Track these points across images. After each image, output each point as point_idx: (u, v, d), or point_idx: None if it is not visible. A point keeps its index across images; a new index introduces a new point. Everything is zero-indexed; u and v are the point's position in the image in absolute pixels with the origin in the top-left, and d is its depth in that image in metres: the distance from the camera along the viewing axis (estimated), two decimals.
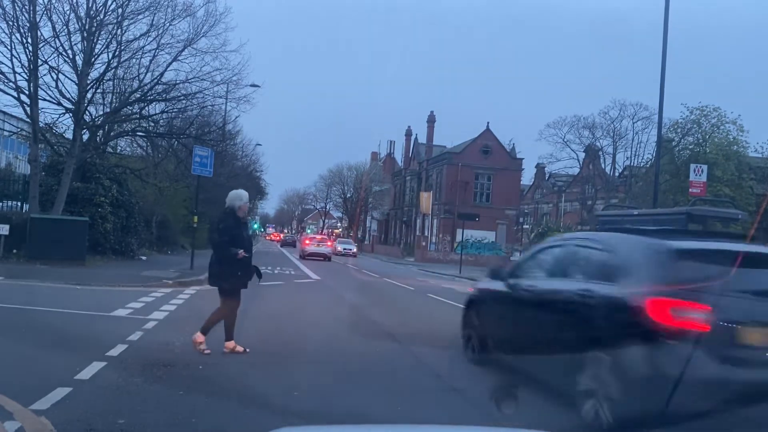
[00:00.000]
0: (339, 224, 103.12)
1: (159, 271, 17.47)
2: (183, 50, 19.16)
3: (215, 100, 20.86)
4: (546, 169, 62.60)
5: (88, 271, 15.70)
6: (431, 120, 64.21)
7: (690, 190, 19.30)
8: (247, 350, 7.55)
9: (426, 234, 60.60)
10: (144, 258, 22.36)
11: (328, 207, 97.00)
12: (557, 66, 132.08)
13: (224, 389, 5.88)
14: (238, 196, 7.73)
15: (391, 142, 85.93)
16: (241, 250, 7.42)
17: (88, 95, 18.47)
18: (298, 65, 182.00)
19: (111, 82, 20.63)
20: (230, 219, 7.59)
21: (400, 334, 9.92)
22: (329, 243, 37.46)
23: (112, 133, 21.94)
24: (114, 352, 6.90)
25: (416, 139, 69.55)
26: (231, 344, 7.57)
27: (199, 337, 7.44)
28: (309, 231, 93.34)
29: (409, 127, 73.71)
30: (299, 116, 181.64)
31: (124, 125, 21.80)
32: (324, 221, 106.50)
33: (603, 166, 50.24)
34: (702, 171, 19.15)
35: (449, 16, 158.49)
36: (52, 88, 18.15)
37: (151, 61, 19.65)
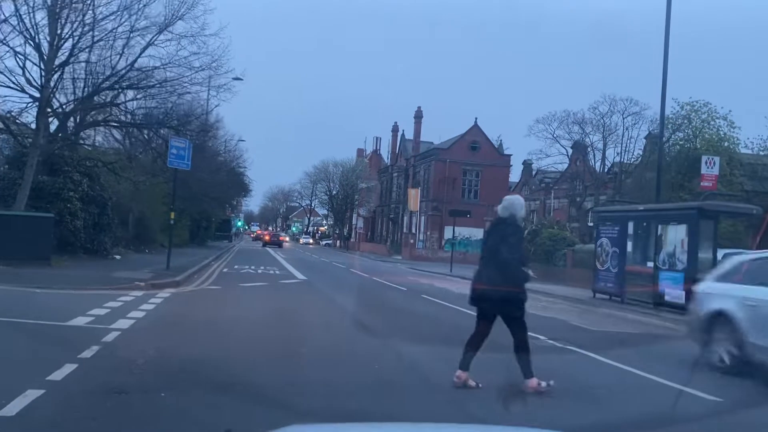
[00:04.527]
0: (324, 221, 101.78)
1: (132, 271, 16.16)
2: (158, 34, 17.84)
3: (193, 88, 19.50)
4: (534, 165, 61.71)
5: (52, 272, 14.38)
6: (418, 116, 63.16)
7: (701, 183, 18.32)
8: (480, 385, 6.11)
9: (413, 231, 59.53)
10: (118, 257, 21.00)
11: (313, 204, 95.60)
12: (546, 62, 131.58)
13: (186, 420, 4.69)
14: (522, 203, 6.39)
15: (377, 138, 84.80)
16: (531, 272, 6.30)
17: (54, 80, 17.03)
18: (282, 62, 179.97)
19: (83, 67, 19.19)
20: (520, 232, 6.38)
21: (400, 342, 8.76)
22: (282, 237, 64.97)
23: (83, 123, 20.49)
24: (58, 375, 5.64)
25: (403, 135, 68.44)
26: (464, 375, 6.17)
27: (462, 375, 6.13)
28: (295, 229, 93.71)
29: (395, 123, 72.57)
30: (283, 113, 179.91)
31: (97, 115, 20.38)
32: (309, 218, 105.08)
33: (593, 162, 49.60)
34: (714, 163, 18.18)
35: (435, 13, 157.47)
36: (15, 75, 16.73)
37: (124, 46, 18.29)
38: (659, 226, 16.63)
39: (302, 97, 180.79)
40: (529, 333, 10.44)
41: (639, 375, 7.57)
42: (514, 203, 6.31)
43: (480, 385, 6.07)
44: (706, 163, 18.37)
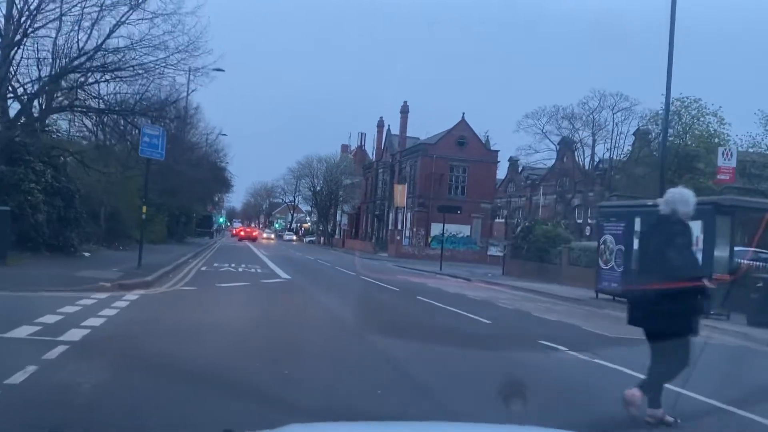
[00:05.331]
0: (308, 218, 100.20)
1: (99, 270, 14.69)
2: (130, 12, 16.35)
3: (168, 71, 17.92)
4: (521, 162, 60.84)
5: (7, 272, 12.87)
6: (404, 110, 61.77)
7: (718, 176, 17.22)
8: (678, 421, 5.10)
9: (399, 228, 58.30)
10: (87, 254, 19.44)
11: (297, 200, 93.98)
12: (543, 61, 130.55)
13: None
14: (689, 199, 5.25)
15: (361, 134, 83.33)
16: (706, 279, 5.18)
17: (12, 57, 15.45)
18: (267, 58, 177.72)
19: (49, 49, 17.62)
20: (689, 232, 5.30)
21: (404, 356, 7.50)
22: (255, 232, 72.11)
23: (49, 108, 18.87)
24: None
25: (389, 130, 67.07)
26: (658, 413, 5.10)
27: (635, 393, 5.08)
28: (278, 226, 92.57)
29: (381, 118, 71.14)
30: (268, 109, 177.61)
31: (64, 100, 18.78)
32: (293, 215, 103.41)
33: (582, 158, 48.88)
34: (731, 155, 17.07)
35: (422, 9, 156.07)
36: None
37: (93, 24, 16.77)
38: None
39: (288, 93, 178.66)
40: (544, 342, 9.31)
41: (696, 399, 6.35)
42: (677, 198, 5.20)
43: (678, 421, 5.05)
44: (723, 154, 17.31)
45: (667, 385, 6.00)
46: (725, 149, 17.76)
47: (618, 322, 13.92)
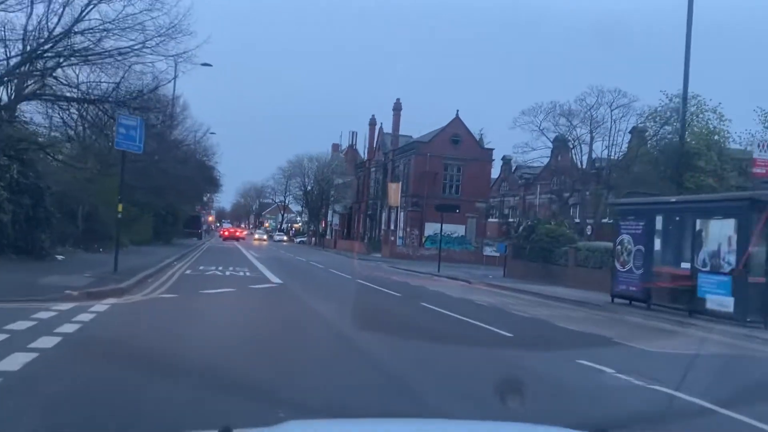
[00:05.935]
0: (299, 218, 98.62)
1: (69, 275, 13.19)
2: None
3: (145, 53, 16.40)
4: (515, 160, 59.57)
5: None
6: (397, 108, 60.37)
7: (754, 170, 15.95)
8: None
9: (393, 228, 56.92)
10: (61, 257, 17.94)
11: (287, 200, 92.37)
12: (543, 61, 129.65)
13: None
14: None
15: (353, 133, 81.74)
16: None
17: None
18: (257, 55, 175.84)
19: (19, 34, 16.07)
20: None
21: (429, 393, 6.10)
22: (238, 232, 73.48)
23: (19, 97, 17.30)
24: None
25: (381, 128, 65.63)
26: None
27: None
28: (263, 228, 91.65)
29: (373, 115, 69.58)
30: (266, 109, 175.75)
31: (35, 88, 17.20)
32: (283, 215, 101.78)
33: (580, 155, 47.75)
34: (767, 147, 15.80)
35: (424, 9, 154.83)
36: None
37: (65, 6, 15.25)
38: (697, 221, 14.26)
39: (287, 93, 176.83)
40: (583, 362, 7.94)
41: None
42: None
43: None
44: (759, 146, 16.03)
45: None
46: (762, 141, 16.45)
47: (647, 331, 12.61)
